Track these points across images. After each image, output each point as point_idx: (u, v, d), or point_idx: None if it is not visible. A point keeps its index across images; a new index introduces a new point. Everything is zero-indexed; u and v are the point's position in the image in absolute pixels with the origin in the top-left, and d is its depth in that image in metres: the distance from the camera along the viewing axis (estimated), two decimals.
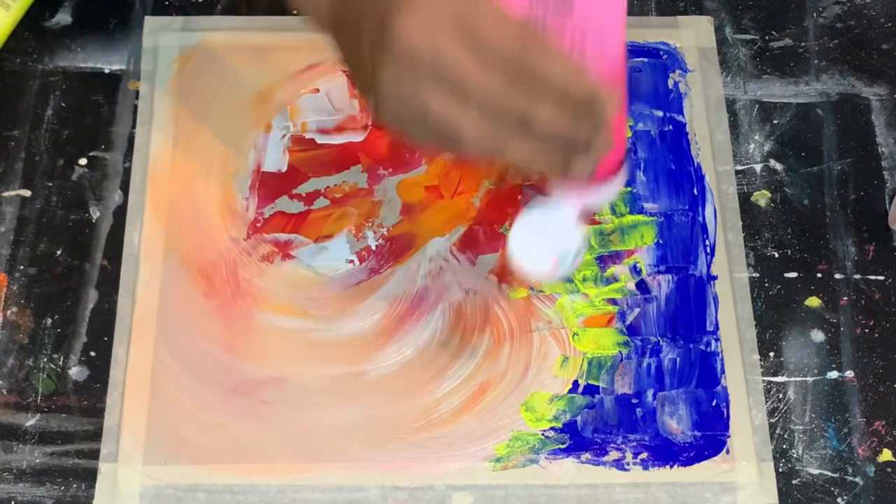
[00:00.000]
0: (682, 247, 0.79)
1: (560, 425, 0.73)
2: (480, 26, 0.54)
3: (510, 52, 0.54)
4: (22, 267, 0.78)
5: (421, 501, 0.71)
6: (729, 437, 0.73)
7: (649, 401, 0.74)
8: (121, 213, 0.79)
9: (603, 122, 0.57)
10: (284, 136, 0.82)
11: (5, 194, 0.80)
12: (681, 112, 0.83)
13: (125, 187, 0.80)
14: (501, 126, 0.56)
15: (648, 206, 0.80)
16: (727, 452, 0.73)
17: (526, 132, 0.56)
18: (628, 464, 0.72)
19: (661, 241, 0.79)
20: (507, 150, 0.57)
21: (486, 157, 0.58)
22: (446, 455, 0.72)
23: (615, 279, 0.78)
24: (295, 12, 0.63)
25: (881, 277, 0.79)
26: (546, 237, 0.63)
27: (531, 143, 0.56)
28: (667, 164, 0.82)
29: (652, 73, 0.85)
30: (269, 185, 0.80)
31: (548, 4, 0.57)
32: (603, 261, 0.78)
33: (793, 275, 0.79)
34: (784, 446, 0.73)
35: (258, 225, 0.79)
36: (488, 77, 0.55)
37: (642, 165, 0.81)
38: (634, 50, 0.86)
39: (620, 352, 0.75)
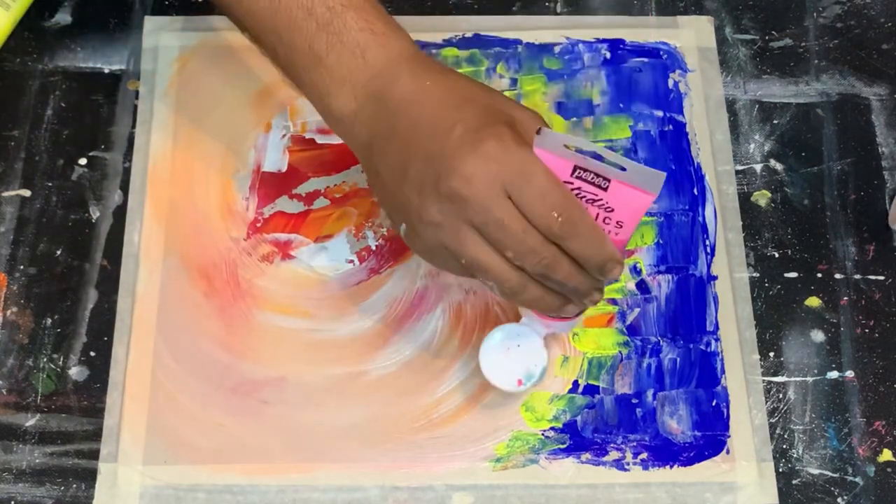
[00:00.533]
0: (682, 247, 0.79)
1: (560, 425, 0.73)
2: (529, 192, 0.62)
3: (555, 217, 0.62)
4: (22, 267, 0.78)
5: (421, 501, 0.71)
6: (729, 437, 0.73)
7: (649, 401, 0.74)
8: (121, 213, 0.79)
9: (603, 282, 0.66)
10: (284, 136, 0.82)
11: (5, 194, 0.80)
12: (681, 112, 0.83)
13: (125, 187, 0.80)
14: (524, 274, 0.64)
15: None
16: (727, 452, 0.73)
17: (542, 280, 0.65)
18: (628, 464, 0.72)
19: (661, 241, 0.79)
20: (524, 294, 0.65)
21: (501, 295, 0.66)
22: (446, 455, 0.72)
23: (615, 279, 0.78)
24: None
25: (881, 277, 0.79)
26: (513, 358, 0.71)
27: (543, 290, 0.65)
28: (667, 164, 0.82)
29: (652, 73, 0.85)
30: (269, 185, 0.80)
31: (586, 178, 0.64)
32: None
33: (793, 275, 0.79)
34: (784, 446, 0.73)
35: (258, 225, 0.79)
36: (527, 235, 0.63)
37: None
38: (634, 50, 0.86)
39: (620, 352, 0.75)
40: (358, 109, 0.67)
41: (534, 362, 0.71)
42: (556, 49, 0.86)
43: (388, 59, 0.66)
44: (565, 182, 0.64)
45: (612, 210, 0.64)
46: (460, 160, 0.62)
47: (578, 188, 0.64)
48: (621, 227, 0.65)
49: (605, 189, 0.64)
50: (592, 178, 0.64)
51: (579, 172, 0.64)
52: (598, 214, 0.65)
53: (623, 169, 0.63)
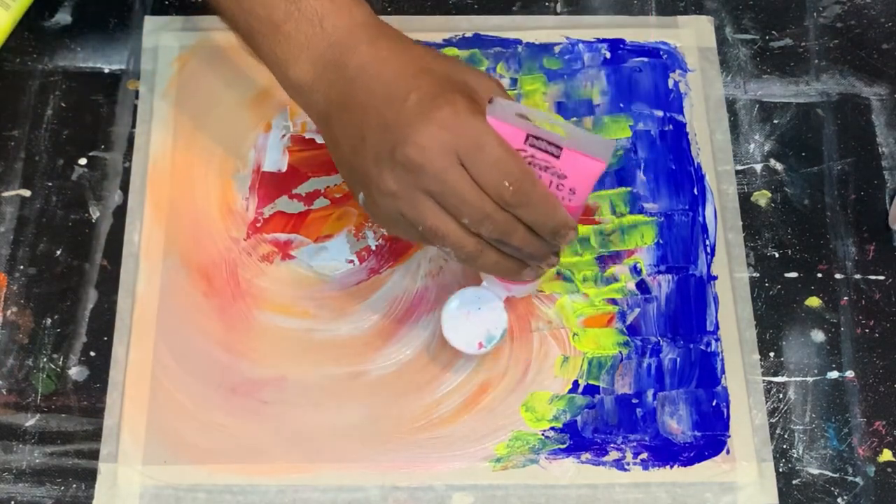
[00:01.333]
0: (682, 247, 0.79)
1: (560, 425, 0.73)
2: (482, 160, 0.63)
3: (507, 186, 0.63)
4: (22, 267, 0.78)
5: (421, 501, 0.71)
6: (729, 437, 0.73)
7: (649, 401, 0.74)
8: (121, 213, 0.79)
9: (559, 246, 0.68)
10: (284, 136, 0.82)
11: (5, 194, 0.80)
12: (681, 112, 0.83)
13: (125, 187, 0.80)
14: (480, 240, 0.66)
15: (648, 206, 0.80)
16: (727, 452, 0.73)
17: (499, 246, 0.66)
18: (628, 464, 0.72)
19: (661, 241, 0.79)
20: (481, 259, 0.66)
21: (459, 260, 0.67)
22: (446, 455, 0.72)
23: (615, 279, 0.78)
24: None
25: (881, 277, 0.79)
26: (474, 321, 0.72)
27: (499, 255, 0.67)
28: (667, 164, 0.82)
29: (652, 73, 0.85)
30: (269, 185, 0.80)
31: (539, 146, 0.65)
32: (603, 261, 0.78)
33: (793, 275, 0.79)
34: (784, 446, 0.73)
35: (258, 225, 0.79)
36: (482, 202, 0.64)
37: (642, 165, 0.81)
38: (634, 50, 0.86)
39: (620, 352, 0.75)
40: (316, 78, 0.67)
41: (494, 325, 0.72)
42: (556, 49, 0.86)
43: (346, 28, 0.67)
44: (518, 150, 0.65)
45: (565, 177, 0.66)
46: (414, 129, 0.63)
47: (531, 156, 0.65)
48: (574, 193, 0.66)
49: (558, 157, 0.65)
50: (545, 146, 0.65)
51: (532, 140, 0.65)
52: (551, 181, 0.66)
53: (573, 137, 0.65)
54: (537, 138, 0.65)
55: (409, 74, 0.65)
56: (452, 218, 0.65)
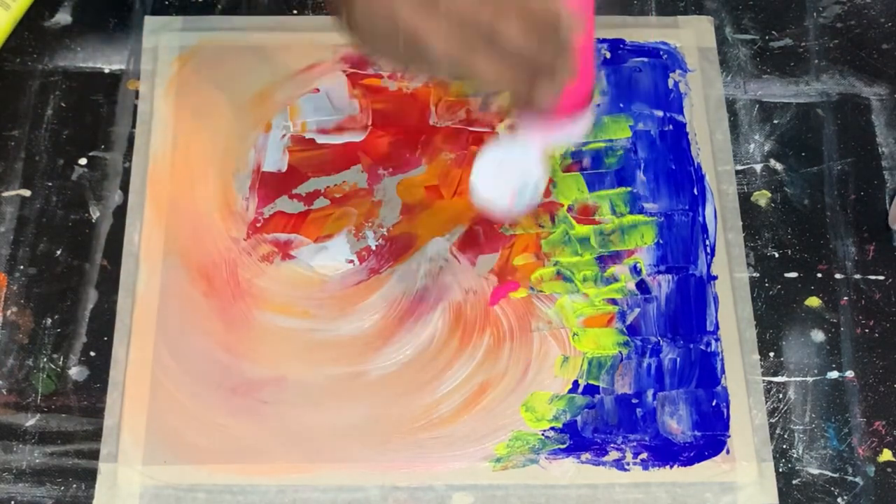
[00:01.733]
0: (682, 247, 0.79)
1: (560, 425, 0.73)
2: None
3: None
4: (22, 267, 0.78)
5: (421, 501, 0.71)
6: (729, 437, 0.73)
7: (649, 401, 0.74)
8: (121, 213, 0.79)
9: (567, 45, 0.58)
10: (284, 136, 0.82)
11: (5, 194, 0.80)
12: (681, 112, 0.83)
13: (125, 187, 0.80)
14: (468, 41, 0.57)
15: (648, 206, 0.80)
16: (727, 452, 0.73)
17: (492, 49, 0.57)
18: (628, 464, 0.72)
19: (661, 241, 0.79)
20: (474, 67, 0.58)
21: (454, 73, 0.59)
22: (446, 455, 0.72)
23: (615, 279, 0.78)
24: None
25: (881, 277, 0.79)
26: (508, 171, 0.64)
27: (497, 62, 0.57)
28: (667, 164, 0.82)
29: (652, 73, 0.85)
30: (269, 185, 0.80)
31: None
32: (603, 261, 0.78)
33: (793, 275, 0.79)
34: (784, 446, 0.73)
35: (258, 225, 0.79)
36: None
37: (642, 165, 0.81)
38: (634, 50, 0.86)
39: (620, 352, 0.75)
40: None
41: (529, 176, 0.65)
42: None
43: None
44: None
45: None
46: None
47: None
48: None
49: None
50: None
51: None
52: None
53: None
54: None
55: None
56: (432, 17, 0.57)
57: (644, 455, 0.72)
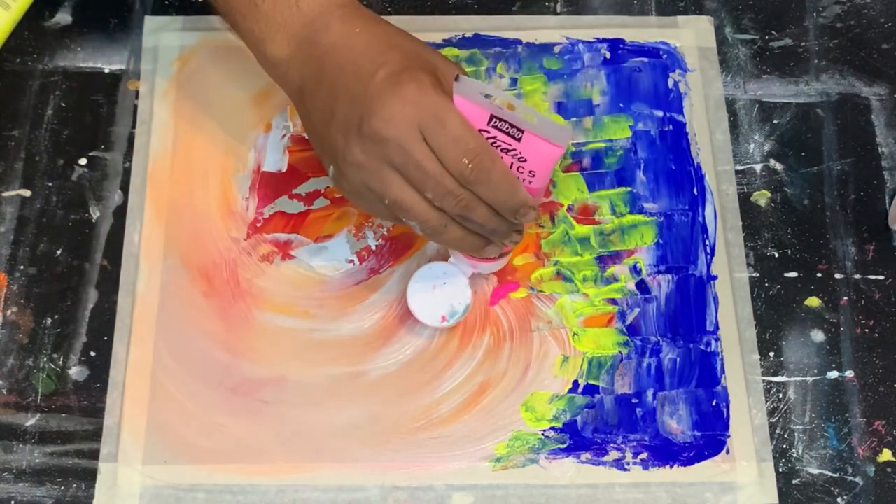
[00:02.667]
0: (682, 247, 0.79)
1: (560, 425, 0.73)
2: (444, 136, 0.65)
3: (465, 162, 0.65)
4: (22, 267, 0.78)
5: (421, 501, 0.71)
6: (729, 437, 0.73)
7: (649, 401, 0.74)
8: (121, 213, 0.79)
9: (520, 226, 0.70)
10: (284, 136, 0.82)
11: (5, 194, 0.80)
12: (681, 112, 0.83)
13: (125, 187, 0.80)
14: (444, 215, 0.67)
15: (648, 206, 0.80)
16: (727, 452, 0.73)
17: (462, 222, 0.68)
18: (628, 464, 0.72)
19: (661, 241, 0.79)
20: (445, 234, 0.68)
21: (424, 234, 0.69)
22: (446, 455, 0.72)
23: (615, 279, 0.78)
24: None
25: (881, 277, 0.79)
26: (439, 295, 0.74)
27: (463, 231, 0.69)
28: (667, 164, 0.82)
29: (652, 73, 0.85)
30: (269, 185, 0.80)
31: (501, 128, 0.67)
32: (603, 261, 0.78)
33: (793, 275, 0.79)
34: (784, 446, 0.73)
35: (258, 225, 0.79)
36: (443, 177, 0.66)
37: (642, 165, 0.81)
38: (634, 50, 0.86)
39: (620, 352, 0.75)
40: (291, 55, 0.70)
41: (458, 300, 0.74)
42: (556, 49, 0.86)
43: (320, 7, 0.69)
44: (482, 130, 0.67)
45: (526, 160, 0.68)
46: (381, 102, 0.65)
47: (494, 137, 0.67)
48: (534, 176, 0.68)
49: (519, 140, 0.67)
50: (507, 128, 0.67)
51: (495, 122, 0.67)
52: (512, 163, 0.68)
53: (534, 121, 0.67)
54: (501, 119, 0.67)
55: (377, 51, 0.67)
56: (416, 192, 0.66)
57: (644, 455, 0.72)
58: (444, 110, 0.65)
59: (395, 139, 0.65)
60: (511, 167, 0.68)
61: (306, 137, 0.82)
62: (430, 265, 0.75)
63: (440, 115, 0.65)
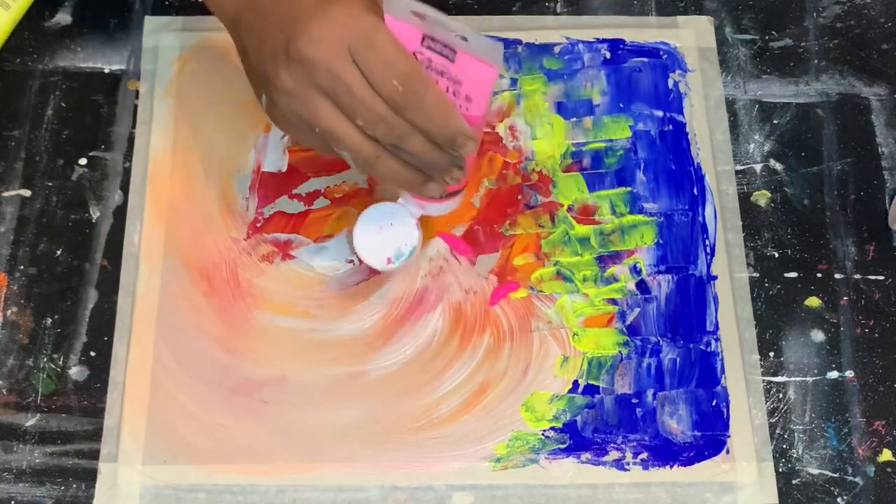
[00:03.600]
0: (682, 247, 0.79)
1: (560, 425, 0.73)
2: (374, 58, 0.62)
3: (396, 86, 0.62)
4: (22, 267, 0.78)
5: (421, 501, 0.71)
6: (729, 437, 0.73)
7: (649, 401, 0.74)
8: (121, 213, 0.79)
9: (460, 160, 0.67)
10: (284, 136, 0.82)
11: (5, 194, 0.80)
12: (681, 112, 0.83)
13: (125, 187, 0.80)
14: (377, 144, 0.65)
15: (648, 206, 0.80)
16: (727, 452, 0.73)
17: (397, 153, 0.66)
18: (628, 464, 0.72)
19: (661, 241, 0.79)
20: (378, 165, 0.66)
21: (359, 166, 0.67)
22: (446, 455, 0.72)
23: (615, 279, 0.78)
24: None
25: (881, 277, 0.79)
26: (385, 237, 0.73)
27: (399, 163, 0.66)
28: (667, 164, 0.82)
29: (652, 73, 0.85)
30: (269, 185, 0.80)
31: (435, 49, 0.64)
32: (603, 261, 0.78)
33: (793, 275, 0.79)
34: (784, 446, 0.73)
35: (258, 225, 0.79)
36: (374, 102, 0.63)
37: (642, 165, 0.81)
38: (634, 50, 0.86)
39: (620, 352, 0.75)
40: None
41: (404, 242, 0.73)
42: (556, 49, 0.86)
43: None
44: (415, 52, 0.64)
45: (460, 83, 0.64)
46: (309, 24, 0.63)
47: (429, 59, 0.64)
48: (470, 101, 0.65)
49: (453, 61, 0.64)
50: (440, 49, 0.64)
51: (428, 42, 0.64)
52: (447, 87, 0.65)
53: (466, 40, 0.63)
54: (433, 39, 0.63)
55: None
56: (348, 119, 0.64)
57: (644, 455, 0.72)
58: (374, 30, 0.62)
59: (322, 61, 0.63)
60: (447, 91, 0.64)
61: None
62: (377, 206, 0.73)
63: (369, 35, 0.62)
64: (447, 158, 0.66)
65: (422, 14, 0.63)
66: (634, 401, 0.74)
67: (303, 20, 0.63)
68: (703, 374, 0.75)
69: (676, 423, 0.74)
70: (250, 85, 0.70)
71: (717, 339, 0.76)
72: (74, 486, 0.71)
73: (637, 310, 0.77)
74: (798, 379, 0.75)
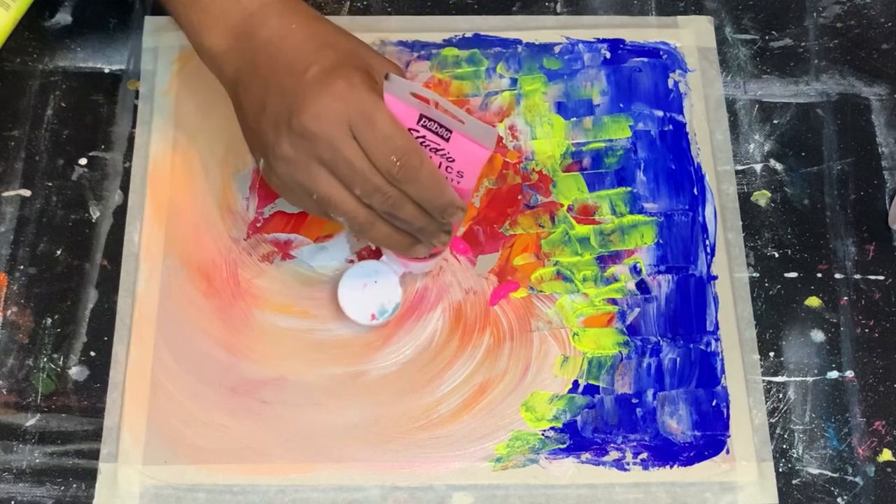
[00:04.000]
0: (682, 247, 0.79)
1: (560, 425, 0.73)
2: (374, 134, 0.65)
3: (394, 161, 0.65)
4: (22, 267, 0.78)
5: (421, 501, 0.71)
6: (729, 436, 0.73)
7: (649, 401, 0.74)
8: (121, 213, 0.79)
9: (448, 227, 0.70)
10: None
11: (5, 194, 0.80)
12: (681, 112, 0.83)
13: (125, 187, 0.80)
14: (372, 212, 0.68)
15: (648, 206, 0.80)
16: (727, 452, 0.73)
17: (390, 220, 0.69)
18: (628, 464, 0.72)
19: (661, 241, 0.79)
20: (373, 231, 0.69)
21: (352, 230, 0.69)
22: (446, 455, 0.72)
23: (615, 279, 0.78)
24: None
25: (881, 277, 0.79)
26: (369, 293, 0.75)
27: (391, 228, 0.69)
28: (667, 164, 0.82)
29: (652, 73, 0.85)
30: (269, 186, 0.80)
31: (430, 128, 0.67)
32: (603, 261, 0.78)
33: (793, 275, 0.79)
34: (784, 446, 0.73)
35: (258, 225, 0.79)
36: (372, 175, 0.66)
37: (642, 165, 0.81)
38: (634, 50, 0.86)
39: (620, 352, 0.75)
40: (228, 47, 0.70)
41: (388, 299, 0.75)
42: (556, 49, 0.86)
43: (260, 1, 0.70)
44: (412, 130, 0.67)
45: (454, 160, 0.68)
46: (311, 98, 0.66)
47: (423, 136, 0.67)
48: (462, 176, 0.69)
49: (447, 140, 0.67)
50: (436, 129, 0.67)
51: (424, 121, 0.67)
52: (440, 163, 0.68)
53: (462, 122, 0.67)
54: (430, 119, 0.67)
55: (312, 48, 0.68)
56: (345, 188, 0.67)
57: (644, 455, 0.72)
58: (374, 108, 0.65)
59: (324, 135, 0.65)
60: (440, 167, 0.68)
61: None
62: (362, 263, 0.76)
63: (370, 113, 0.65)
64: (437, 225, 0.70)
65: (423, 97, 0.67)
66: (634, 401, 0.74)
67: (305, 94, 0.66)
68: (703, 374, 0.75)
69: (676, 423, 0.74)
70: (248, 145, 0.72)
71: (717, 339, 0.76)
72: (74, 486, 0.71)
73: (637, 310, 0.77)
74: (798, 379, 0.75)
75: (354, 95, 0.65)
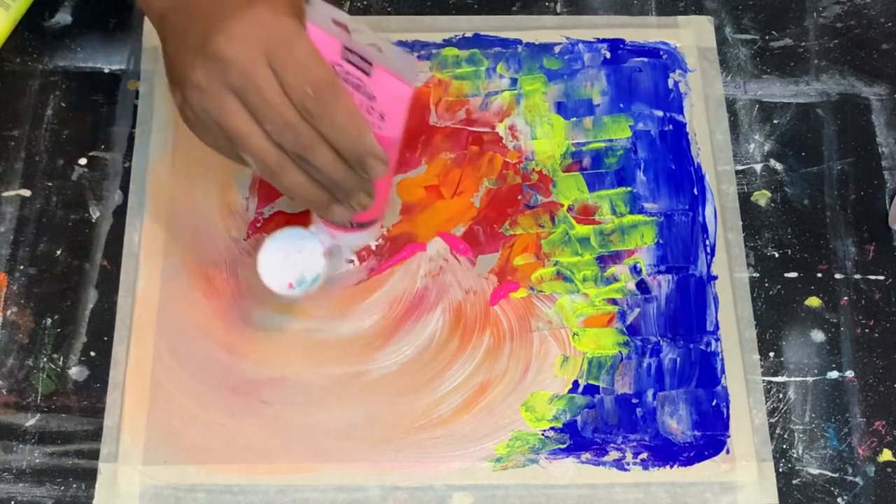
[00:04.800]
0: (682, 247, 0.79)
1: (560, 425, 0.73)
2: (289, 62, 0.61)
3: (308, 92, 0.61)
4: (22, 267, 0.78)
5: (421, 501, 0.71)
6: (729, 436, 0.73)
7: (649, 401, 0.74)
8: (121, 213, 0.79)
9: (368, 183, 0.65)
10: None
11: (5, 194, 0.80)
12: (681, 112, 0.83)
13: (125, 187, 0.80)
14: (283, 153, 0.63)
15: (648, 206, 0.80)
16: (727, 452, 0.73)
17: (302, 166, 0.64)
18: (628, 464, 0.72)
19: (661, 241, 0.79)
20: (283, 176, 0.64)
21: (265, 175, 0.65)
22: (446, 455, 0.72)
23: (615, 279, 0.78)
24: None
25: (881, 277, 0.79)
26: (290, 261, 0.71)
27: (305, 177, 0.64)
28: (667, 164, 0.82)
29: (652, 73, 0.85)
30: (269, 185, 0.80)
31: (353, 61, 0.62)
32: (603, 261, 0.78)
33: (793, 275, 0.79)
34: (784, 446, 0.73)
35: (258, 225, 0.79)
36: (283, 107, 0.62)
37: (642, 165, 0.81)
38: (634, 50, 0.86)
39: (620, 352, 0.75)
40: None
41: (309, 269, 0.71)
42: (556, 49, 0.86)
43: None
44: (335, 63, 0.62)
45: (374, 98, 0.63)
46: (229, 22, 0.62)
47: (347, 72, 0.63)
48: (384, 120, 0.63)
49: (368, 74, 0.62)
50: (357, 61, 0.62)
51: (347, 54, 0.62)
52: (362, 103, 0.63)
53: (386, 54, 0.62)
54: (351, 51, 0.62)
55: None
56: (256, 123, 0.63)
57: (644, 455, 0.72)
58: (294, 35, 0.62)
59: (237, 60, 0.61)
60: (362, 108, 0.63)
61: None
62: (288, 229, 0.72)
63: (288, 40, 0.61)
64: (355, 180, 0.65)
65: (343, 24, 0.62)
66: (634, 401, 0.74)
67: (224, 18, 0.62)
68: (703, 374, 0.75)
69: (676, 423, 0.74)
70: (169, 81, 0.67)
71: (717, 339, 0.76)
72: (74, 486, 0.71)
73: (637, 310, 0.77)
74: (798, 379, 0.75)
75: (274, 21, 0.62)
